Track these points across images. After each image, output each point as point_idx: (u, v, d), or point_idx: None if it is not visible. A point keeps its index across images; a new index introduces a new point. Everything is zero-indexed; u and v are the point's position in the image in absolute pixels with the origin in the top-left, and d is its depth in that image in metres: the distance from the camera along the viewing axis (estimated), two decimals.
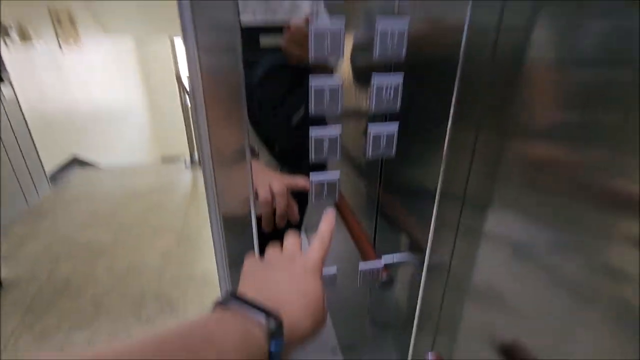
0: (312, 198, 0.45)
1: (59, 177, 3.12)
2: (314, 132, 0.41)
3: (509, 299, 0.42)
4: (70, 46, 3.48)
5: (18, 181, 2.55)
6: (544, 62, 0.32)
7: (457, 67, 0.40)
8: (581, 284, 0.31)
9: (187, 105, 3.23)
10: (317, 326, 0.33)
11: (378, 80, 0.40)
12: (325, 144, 0.42)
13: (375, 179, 0.82)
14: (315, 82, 0.38)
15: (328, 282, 0.52)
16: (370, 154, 0.44)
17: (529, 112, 0.34)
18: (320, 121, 0.71)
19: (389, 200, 0.77)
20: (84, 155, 3.51)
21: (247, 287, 0.34)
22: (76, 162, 3.39)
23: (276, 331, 0.27)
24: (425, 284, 0.54)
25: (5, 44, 2.59)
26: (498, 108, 0.38)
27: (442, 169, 0.48)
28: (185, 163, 3.38)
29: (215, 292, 1.67)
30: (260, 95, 0.69)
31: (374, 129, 0.43)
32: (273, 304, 0.30)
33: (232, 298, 0.29)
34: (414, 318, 0.59)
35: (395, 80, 0.41)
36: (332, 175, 0.44)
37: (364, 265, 0.52)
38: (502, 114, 0.38)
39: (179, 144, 3.88)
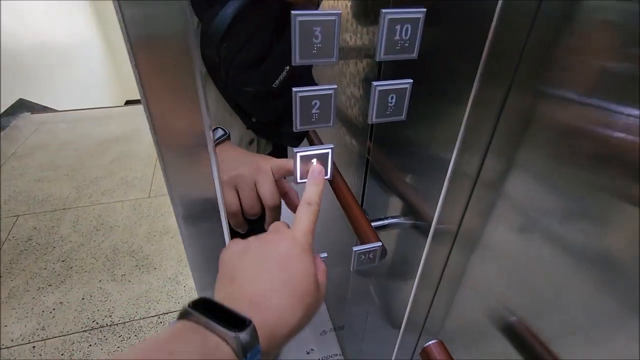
0: (296, 178, 0.34)
1: (6, 125, 2.81)
2: (299, 90, 0.29)
3: (515, 268, 0.39)
4: None
5: None
6: (599, 17, 0.26)
7: (495, 11, 0.30)
8: (593, 260, 0.29)
9: None
10: (310, 311, 0.28)
11: (392, 14, 0.27)
12: (315, 107, 0.30)
13: (366, 135, 0.72)
14: (301, 14, 0.25)
15: None
16: (373, 117, 0.33)
17: (572, 74, 0.29)
18: (306, 75, 0.57)
19: (382, 160, 0.68)
20: (34, 99, 3.14)
21: (222, 279, 0.29)
22: (25, 107, 3.04)
23: (249, 342, 0.22)
24: (429, 248, 0.49)
25: None
26: (537, 66, 0.31)
27: (461, 130, 0.39)
28: None
29: None
30: (230, 47, 0.50)
31: (381, 85, 0.31)
32: (250, 298, 0.25)
33: (196, 305, 0.23)
34: (409, 277, 0.55)
35: (415, 16, 0.28)
36: (323, 148, 0.34)
37: (359, 248, 0.44)
38: (540, 74, 0.31)
39: None
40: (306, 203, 0.32)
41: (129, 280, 1.55)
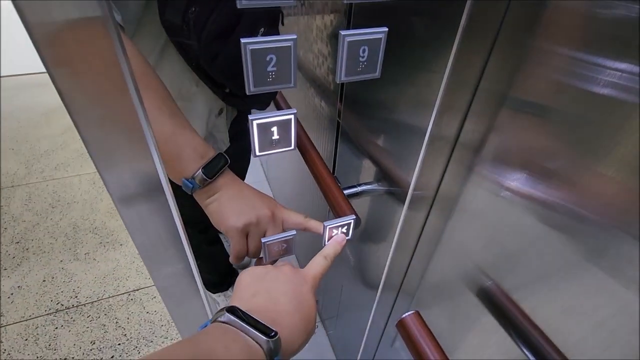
0: (254, 149, 0.29)
1: None
2: (249, 42, 0.24)
3: (492, 232, 0.38)
4: None
5: None
6: None
7: None
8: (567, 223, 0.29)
9: None
10: (308, 337, 0.33)
11: None
12: (271, 63, 0.25)
13: (336, 96, 0.67)
14: None
15: (287, 248, 0.41)
16: (342, 75, 0.28)
17: (559, 29, 0.26)
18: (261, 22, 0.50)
19: (354, 123, 0.63)
20: None
21: (244, 293, 0.33)
22: None
23: (274, 350, 0.27)
24: (405, 214, 0.48)
25: None
26: (523, 19, 0.29)
27: (441, 90, 0.35)
28: None
29: None
30: (200, 11, 0.44)
31: (351, 35, 0.26)
32: (270, 314, 0.29)
33: (231, 313, 0.28)
34: (385, 241, 0.54)
35: None
36: (284, 114, 0.28)
37: (331, 223, 0.40)
38: (527, 27, 0.29)
39: None
40: (323, 255, 0.38)
41: (94, 259, 1.47)
